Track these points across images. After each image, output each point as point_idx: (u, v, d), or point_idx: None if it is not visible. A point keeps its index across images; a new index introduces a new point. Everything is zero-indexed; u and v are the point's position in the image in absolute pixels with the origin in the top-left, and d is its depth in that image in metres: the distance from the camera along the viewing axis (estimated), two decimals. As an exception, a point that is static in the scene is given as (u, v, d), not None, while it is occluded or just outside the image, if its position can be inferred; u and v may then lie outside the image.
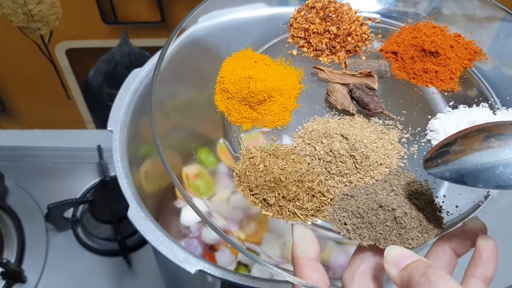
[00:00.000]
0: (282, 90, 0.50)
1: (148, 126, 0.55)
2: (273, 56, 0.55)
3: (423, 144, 0.48)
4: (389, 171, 0.45)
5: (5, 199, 0.89)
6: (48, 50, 0.87)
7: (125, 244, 0.89)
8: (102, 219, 0.92)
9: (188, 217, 0.85)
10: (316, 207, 0.42)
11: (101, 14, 0.80)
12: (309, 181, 0.43)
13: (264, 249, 0.45)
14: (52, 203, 0.86)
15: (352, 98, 0.50)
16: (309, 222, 0.42)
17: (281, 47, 0.57)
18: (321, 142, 0.45)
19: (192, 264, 0.57)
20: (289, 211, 0.41)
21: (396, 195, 0.42)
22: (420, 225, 0.40)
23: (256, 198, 0.42)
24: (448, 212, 0.43)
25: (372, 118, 0.49)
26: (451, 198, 0.44)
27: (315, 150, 0.45)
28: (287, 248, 0.45)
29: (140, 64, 0.75)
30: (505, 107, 0.51)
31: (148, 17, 0.80)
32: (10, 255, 0.80)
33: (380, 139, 0.47)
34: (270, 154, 0.46)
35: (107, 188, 0.97)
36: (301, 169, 0.43)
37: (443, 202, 0.43)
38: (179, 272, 0.64)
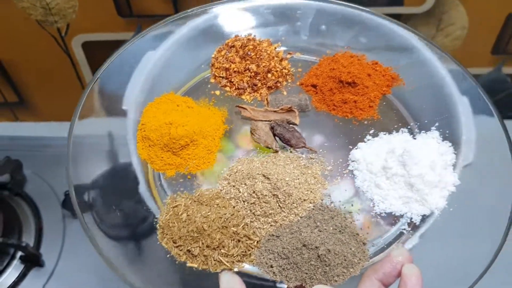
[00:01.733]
0: (205, 133, 0.50)
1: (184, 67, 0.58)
2: (197, 97, 0.55)
3: (345, 175, 0.48)
4: (313, 206, 0.45)
5: (23, 187, 0.91)
6: (65, 43, 0.88)
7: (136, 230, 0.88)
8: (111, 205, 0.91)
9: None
10: (242, 252, 0.42)
11: (117, 7, 0.81)
12: (234, 226, 0.42)
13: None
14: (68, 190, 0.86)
15: (274, 135, 0.51)
16: (235, 269, 0.41)
17: (203, 87, 0.57)
18: (245, 184, 0.45)
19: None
20: (214, 260, 0.41)
21: (320, 231, 0.42)
22: (345, 260, 0.40)
23: (180, 250, 0.41)
24: (374, 243, 0.44)
25: (296, 153, 0.50)
26: (375, 228, 0.45)
27: (239, 192, 0.45)
28: (353, 206, 0.46)
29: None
30: (424, 131, 0.52)
31: (162, 10, 0.82)
32: (28, 241, 0.81)
33: (303, 174, 0.47)
34: (194, 201, 0.45)
35: (115, 175, 0.95)
36: (225, 214, 0.43)
37: (367, 233, 0.44)
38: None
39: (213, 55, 0.59)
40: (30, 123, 1.07)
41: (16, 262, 0.79)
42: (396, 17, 0.75)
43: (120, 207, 0.47)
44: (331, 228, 0.43)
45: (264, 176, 0.45)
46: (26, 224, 0.85)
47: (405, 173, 0.45)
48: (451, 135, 0.51)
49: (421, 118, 0.54)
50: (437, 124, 0.52)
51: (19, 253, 0.79)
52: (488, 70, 0.89)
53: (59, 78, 0.98)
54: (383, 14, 0.58)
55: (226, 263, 0.41)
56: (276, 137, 0.50)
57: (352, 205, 0.46)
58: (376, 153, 0.48)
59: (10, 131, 1.03)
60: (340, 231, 0.43)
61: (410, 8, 0.78)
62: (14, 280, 0.77)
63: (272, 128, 0.51)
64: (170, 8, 0.81)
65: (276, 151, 0.49)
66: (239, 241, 0.42)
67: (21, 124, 1.07)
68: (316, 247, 0.40)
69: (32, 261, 0.79)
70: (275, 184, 0.44)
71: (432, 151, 0.48)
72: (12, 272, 0.78)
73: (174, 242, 0.42)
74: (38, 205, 0.89)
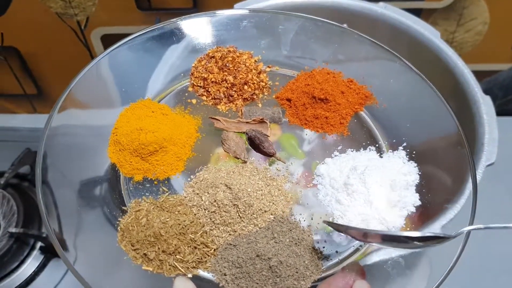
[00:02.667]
0: (176, 140, 0.51)
1: (163, 74, 0.59)
2: (173, 105, 0.57)
3: (309, 188, 0.49)
4: (274, 217, 0.46)
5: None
6: (84, 36, 0.89)
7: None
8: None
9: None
10: (198, 258, 0.43)
11: (136, 1, 0.82)
12: (192, 233, 0.43)
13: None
14: (83, 180, 0.88)
15: (249, 138, 0.52)
16: (189, 275, 0.42)
17: (181, 96, 0.58)
18: (208, 192, 0.46)
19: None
20: (169, 265, 0.42)
21: (276, 242, 0.43)
22: (296, 272, 0.41)
23: (137, 253, 0.42)
24: (329, 257, 0.45)
25: (263, 165, 0.51)
26: (332, 243, 0.45)
27: (202, 200, 0.46)
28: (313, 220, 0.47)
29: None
30: (391, 150, 0.53)
31: (180, 3, 0.83)
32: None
33: (268, 185, 0.48)
34: (157, 207, 0.46)
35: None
36: (184, 221, 0.44)
37: (323, 247, 0.45)
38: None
39: (193, 64, 0.60)
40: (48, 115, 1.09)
41: (36, 252, 0.80)
42: (417, 12, 0.78)
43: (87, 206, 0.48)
44: (288, 240, 0.44)
45: (226, 186, 0.46)
46: None
47: (365, 191, 0.46)
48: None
49: (390, 137, 0.55)
50: (404, 144, 0.53)
51: (39, 244, 0.80)
52: (508, 66, 0.90)
53: (78, 70, 0.98)
54: (358, 33, 0.59)
55: (180, 268, 0.42)
56: (249, 140, 0.51)
57: (312, 219, 0.47)
58: (340, 169, 0.49)
59: (29, 123, 1.04)
60: (296, 243, 0.44)
61: (431, 2, 0.79)
62: (34, 270, 0.78)
63: (246, 134, 0.52)
64: (189, 1, 0.82)
65: (245, 162, 0.51)
66: (195, 248, 0.43)
67: (40, 116, 1.08)
68: (268, 258, 0.41)
69: (52, 251, 0.80)
70: (236, 194, 0.45)
71: (395, 170, 0.48)
72: (32, 262, 0.79)
73: (132, 245, 0.43)
74: (56, 196, 0.90)
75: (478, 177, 0.56)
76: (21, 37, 0.90)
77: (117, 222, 0.45)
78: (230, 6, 0.71)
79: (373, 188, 0.46)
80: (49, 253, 0.80)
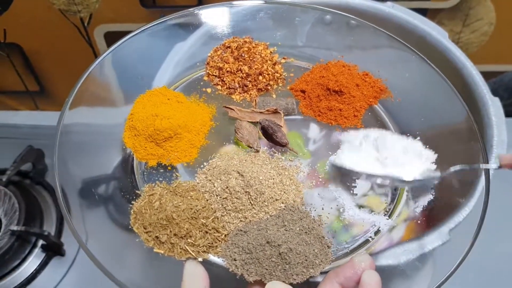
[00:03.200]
0: (190, 127, 0.52)
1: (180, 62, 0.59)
2: (188, 93, 0.57)
3: (320, 179, 0.49)
4: (285, 206, 0.46)
5: (45, 176, 0.91)
6: (87, 33, 0.89)
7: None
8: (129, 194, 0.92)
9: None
10: (209, 243, 0.43)
11: None
12: (203, 218, 0.44)
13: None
14: (86, 178, 0.88)
15: (262, 127, 0.52)
16: (200, 259, 0.43)
17: (196, 84, 0.59)
18: (220, 179, 0.47)
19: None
20: (180, 248, 0.42)
21: (286, 230, 0.43)
22: (306, 260, 0.42)
23: (149, 236, 0.43)
24: (338, 247, 0.45)
25: (276, 155, 0.51)
26: (342, 233, 0.46)
27: (214, 186, 0.46)
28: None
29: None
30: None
31: (185, 0, 0.82)
32: (49, 230, 0.82)
33: (280, 175, 0.48)
34: (170, 191, 0.47)
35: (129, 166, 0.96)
36: (196, 206, 0.44)
37: (333, 237, 0.45)
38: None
39: (209, 54, 0.61)
40: (51, 112, 1.08)
41: (37, 250, 0.80)
42: (423, 12, 0.77)
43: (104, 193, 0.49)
44: (298, 229, 0.44)
45: (238, 173, 0.46)
46: (48, 213, 0.85)
47: (378, 156, 0.47)
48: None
49: (403, 130, 0.55)
50: (418, 138, 0.53)
51: (41, 242, 0.80)
52: None
53: (80, 68, 0.96)
54: (374, 26, 0.59)
55: (191, 252, 0.42)
56: (262, 130, 0.52)
57: (322, 209, 0.47)
58: (351, 160, 0.49)
59: (31, 120, 1.04)
60: (306, 232, 0.44)
61: (437, 2, 0.78)
62: (36, 268, 0.78)
63: (260, 123, 0.52)
64: (194, -2, 0.82)
65: (257, 151, 0.51)
66: (206, 232, 0.43)
67: (42, 113, 1.08)
68: (278, 244, 0.41)
69: (54, 250, 0.80)
70: (248, 181, 0.45)
71: (407, 143, 0.49)
72: (34, 260, 0.79)
73: (145, 228, 0.43)
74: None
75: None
76: (24, 34, 0.90)
77: (130, 206, 0.46)
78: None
79: (385, 153, 0.46)
80: (50, 251, 0.80)
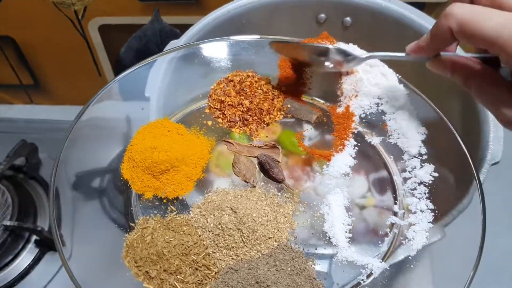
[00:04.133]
0: (188, 160, 0.52)
1: (183, 94, 0.61)
2: (189, 125, 0.58)
3: (315, 218, 0.49)
4: (277, 244, 0.46)
5: (39, 171, 0.91)
6: (82, 26, 0.88)
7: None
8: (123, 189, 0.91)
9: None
10: (198, 280, 0.43)
11: None
12: (194, 254, 0.44)
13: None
14: (80, 172, 0.87)
15: (259, 162, 0.52)
16: (189, 296, 0.42)
17: (198, 117, 0.59)
18: (213, 215, 0.47)
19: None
20: (170, 284, 0.42)
21: (277, 270, 0.43)
22: (295, 303, 0.41)
23: (140, 270, 0.43)
24: (329, 289, 0.44)
25: (272, 191, 0.51)
26: (334, 275, 0.45)
27: (207, 222, 0.46)
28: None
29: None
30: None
31: None
32: (43, 224, 0.81)
33: (274, 212, 0.48)
34: (164, 225, 0.47)
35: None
36: (188, 241, 0.44)
37: (324, 279, 0.44)
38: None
39: (212, 87, 0.61)
40: (45, 106, 1.07)
41: (31, 245, 0.79)
42: (420, 6, 0.76)
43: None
44: (289, 269, 0.43)
45: (232, 209, 0.46)
46: (41, 208, 0.85)
47: None
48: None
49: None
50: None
51: (34, 237, 0.79)
52: None
53: (75, 61, 0.97)
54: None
55: (180, 289, 0.42)
56: (259, 165, 0.52)
57: (316, 249, 0.47)
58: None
59: (25, 114, 1.03)
60: (297, 273, 0.43)
61: None
62: (29, 263, 0.78)
63: (258, 158, 0.52)
64: (188, -8, 0.81)
65: (253, 187, 0.51)
66: (196, 269, 0.43)
67: (36, 107, 1.07)
68: (267, 285, 0.41)
69: (47, 245, 0.79)
70: (241, 218, 0.45)
71: None
72: (27, 255, 0.78)
73: (135, 262, 0.43)
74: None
75: (483, 176, 0.55)
76: (17, 27, 0.89)
77: (124, 238, 0.46)
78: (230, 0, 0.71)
79: None
80: (44, 247, 0.79)
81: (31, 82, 1.02)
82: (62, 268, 0.76)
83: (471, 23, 0.37)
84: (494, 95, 0.40)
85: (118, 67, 1.00)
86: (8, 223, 0.75)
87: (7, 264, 0.77)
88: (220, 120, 0.59)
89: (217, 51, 0.64)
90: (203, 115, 0.59)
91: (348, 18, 0.63)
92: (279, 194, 0.51)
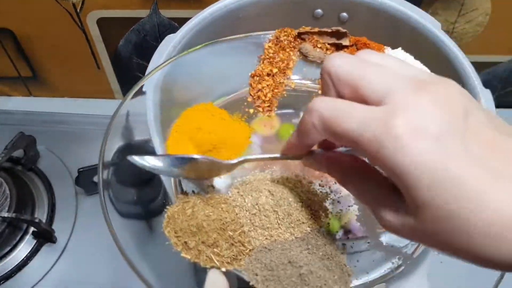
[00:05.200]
0: (228, 144, 0.55)
1: (181, 90, 0.62)
2: (232, 111, 0.60)
3: (350, 208, 0.50)
4: (311, 230, 0.47)
5: (37, 163, 0.92)
6: (80, 19, 0.89)
7: (148, 208, 0.89)
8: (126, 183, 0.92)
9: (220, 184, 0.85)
10: (233, 255, 0.45)
11: None
12: (231, 230, 0.46)
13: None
14: (82, 167, 0.86)
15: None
16: (223, 269, 0.44)
17: (240, 104, 0.61)
18: (251, 195, 0.49)
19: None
20: (206, 256, 0.44)
21: (309, 253, 0.45)
22: (325, 284, 0.43)
23: (179, 240, 0.45)
24: (358, 277, 0.46)
25: (308, 179, 0.53)
26: (364, 264, 0.46)
27: (245, 201, 0.48)
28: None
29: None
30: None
31: None
32: (41, 217, 0.82)
33: (309, 199, 0.50)
34: (203, 201, 0.49)
35: (132, 152, 0.95)
36: (225, 218, 0.46)
37: (355, 266, 0.46)
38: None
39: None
40: (44, 99, 1.08)
41: (28, 237, 0.80)
42: (417, 1, 0.77)
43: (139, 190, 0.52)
44: (321, 254, 0.45)
45: (269, 192, 0.48)
46: (39, 200, 0.86)
47: None
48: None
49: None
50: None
51: (32, 229, 0.80)
52: (508, 58, 0.88)
53: (73, 54, 0.97)
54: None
55: (216, 261, 0.44)
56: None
57: (348, 238, 0.48)
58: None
59: (23, 106, 1.04)
60: (328, 258, 0.45)
61: None
62: (27, 255, 0.79)
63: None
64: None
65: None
66: (232, 244, 0.45)
67: (34, 99, 1.08)
68: (300, 265, 0.43)
69: (45, 237, 0.80)
70: (277, 201, 0.47)
71: None
72: (25, 247, 0.80)
73: (175, 233, 0.46)
74: (51, 181, 0.89)
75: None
76: (16, 19, 0.90)
77: (165, 210, 0.49)
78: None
79: None
80: (41, 239, 0.80)
81: (30, 74, 1.03)
82: (60, 260, 0.78)
83: (333, 120, 0.32)
84: (372, 195, 0.34)
85: (116, 60, 1.01)
86: (6, 214, 0.76)
87: (4, 255, 0.78)
88: (260, 109, 0.61)
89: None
90: (245, 103, 0.62)
91: (344, 14, 0.63)
92: (316, 182, 0.52)
